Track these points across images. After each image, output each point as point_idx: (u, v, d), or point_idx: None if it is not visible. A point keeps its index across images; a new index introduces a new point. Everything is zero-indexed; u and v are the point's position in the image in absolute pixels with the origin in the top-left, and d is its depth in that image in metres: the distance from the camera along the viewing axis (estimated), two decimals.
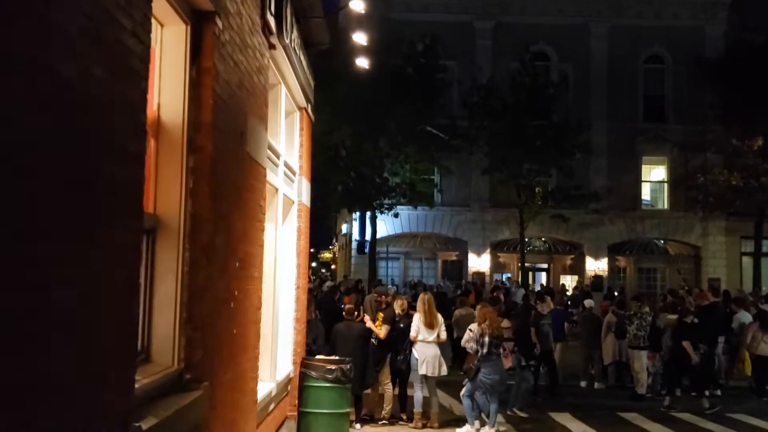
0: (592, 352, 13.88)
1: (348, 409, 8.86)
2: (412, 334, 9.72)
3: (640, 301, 13.32)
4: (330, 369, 8.65)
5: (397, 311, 10.37)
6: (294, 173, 8.55)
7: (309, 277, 36.33)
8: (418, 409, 9.67)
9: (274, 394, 7.34)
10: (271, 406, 7.38)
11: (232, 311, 5.03)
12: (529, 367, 11.32)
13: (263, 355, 7.14)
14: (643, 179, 30.62)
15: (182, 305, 4.15)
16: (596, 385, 13.72)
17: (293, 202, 8.62)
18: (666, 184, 30.45)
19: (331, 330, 9.96)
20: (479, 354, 9.35)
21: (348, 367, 8.78)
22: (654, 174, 31.16)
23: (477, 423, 9.47)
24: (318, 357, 9.03)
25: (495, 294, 15.44)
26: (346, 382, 8.74)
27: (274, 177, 7.23)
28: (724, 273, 29.27)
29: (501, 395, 9.73)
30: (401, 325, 10.01)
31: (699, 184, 26.17)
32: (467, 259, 30.03)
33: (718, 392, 12.88)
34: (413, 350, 9.75)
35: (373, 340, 9.92)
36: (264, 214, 6.20)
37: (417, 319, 9.77)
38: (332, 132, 21.13)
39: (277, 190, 7.39)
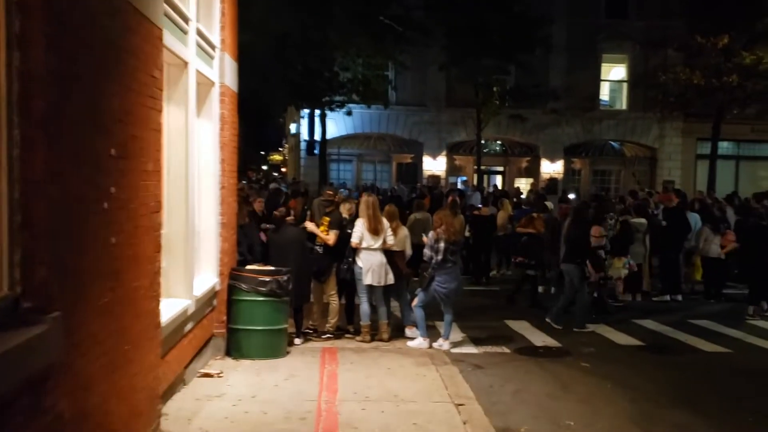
0: (551, 257, 13.10)
1: (285, 325, 7.83)
2: (354, 240, 8.62)
3: (605, 204, 12.43)
4: (263, 281, 7.55)
5: (344, 215, 9.23)
6: (213, 47, 7.08)
7: (253, 179, 35.08)
8: (365, 321, 8.71)
9: (191, 312, 6.21)
10: (188, 326, 6.26)
11: (107, 214, 3.76)
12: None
13: (172, 267, 5.96)
14: (602, 78, 29.58)
15: (14, 204, 2.87)
16: (553, 290, 13.02)
17: (213, 84, 7.20)
18: (625, 84, 29.49)
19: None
20: (433, 261, 8.36)
21: (285, 278, 7.68)
22: (614, 73, 30.10)
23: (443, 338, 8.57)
24: (249, 267, 7.88)
25: (451, 197, 14.40)
26: (283, 295, 7.66)
27: (181, 47, 5.80)
28: (679, 175, 29.01)
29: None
30: (348, 231, 8.88)
31: (660, 82, 25.24)
32: (422, 162, 28.96)
33: (679, 297, 12.38)
34: (357, 259, 8.68)
35: (317, 247, 8.80)
36: (161, 90, 4.83)
37: (360, 225, 8.65)
38: (272, 16, 19.17)
39: (186, 64, 5.97)
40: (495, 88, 25.06)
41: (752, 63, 22.58)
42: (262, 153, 62.95)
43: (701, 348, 8.91)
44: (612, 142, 29.79)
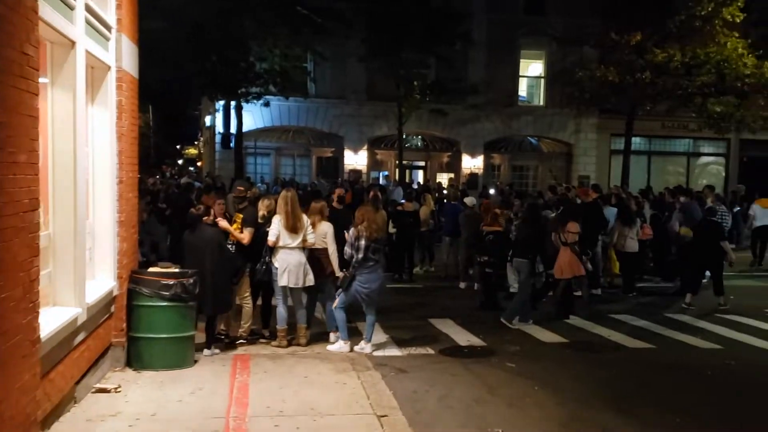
0: (472, 252, 12.90)
1: (192, 332, 7.19)
2: (271, 239, 8.05)
3: (523, 200, 12.29)
4: (167, 284, 6.90)
5: (261, 212, 8.65)
6: (108, 28, 6.37)
7: (167, 173, 33.54)
8: (281, 325, 8.17)
9: (83, 321, 5.53)
10: (80, 337, 5.58)
11: None
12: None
13: (60, 272, 5.27)
14: (521, 74, 29.87)
15: None
16: (476, 286, 12.82)
17: (108, 68, 6.48)
18: (543, 80, 29.88)
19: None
20: (354, 260, 7.91)
21: (191, 281, 7.05)
22: (531, 69, 30.44)
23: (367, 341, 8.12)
24: (152, 270, 7.20)
25: (373, 192, 13.97)
26: (189, 300, 7.03)
27: (67, 24, 5.10)
28: (594, 170, 29.64)
29: None
30: (266, 229, 8.30)
31: (576, 78, 25.65)
32: (343, 156, 28.44)
33: (598, 291, 12.40)
34: (273, 259, 8.11)
35: (230, 246, 8.19)
36: (37, 70, 4.15)
37: (277, 222, 8.08)
38: (186, 3, 18.25)
39: (73, 44, 5.26)
40: (416, 82, 24.84)
41: (664, 60, 23.18)
42: (178, 147, 60.92)
43: (624, 344, 8.82)
44: (530, 138, 30.17)
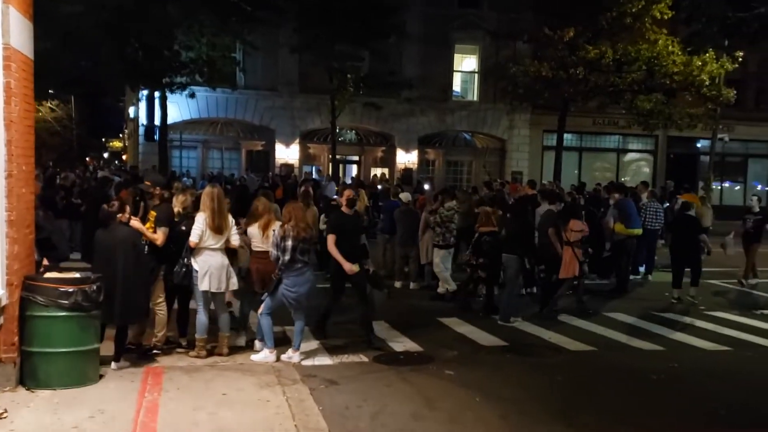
0: (408, 250, 12.42)
1: (96, 345, 6.39)
2: (193, 239, 7.30)
3: (444, 196, 11.83)
4: (66, 292, 6.08)
5: (176, 209, 7.88)
6: None
7: (90, 167, 31.82)
8: (201, 334, 7.43)
9: None
10: None
11: None
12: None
13: None
14: (454, 69, 29.65)
15: None
16: (411, 285, 12.35)
17: None
18: (477, 75, 29.75)
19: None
20: (280, 261, 7.25)
21: (94, 287, 6.25)
22: (466, 64, 30.28)
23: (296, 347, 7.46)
24: (48, 275, 6.34)
25: (305, 188, 13.30)
26: (91, 309, 6.23)
27: None
28: (527, 166, 29.76)
29: None
30: (183, 227, 7.55)
31: (510, 73, 25.58)
32: (274, 150, 27.56)
33: (534, 290, 12.10)
34: (193, 260, 7.37)
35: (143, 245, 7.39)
36: None
37: (201, 220, 7.33)
38: None
39: None
40: (349, 75, 24.21)
41: (596, 57, 23.33)
42: (104, 140, 58.40)
43: (565, 346, 8.47)
44: (464, 133, 30.01)
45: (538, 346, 8.52)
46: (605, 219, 12.93)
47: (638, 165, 31.88)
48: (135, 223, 7.34)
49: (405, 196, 12.78)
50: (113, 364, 6.85)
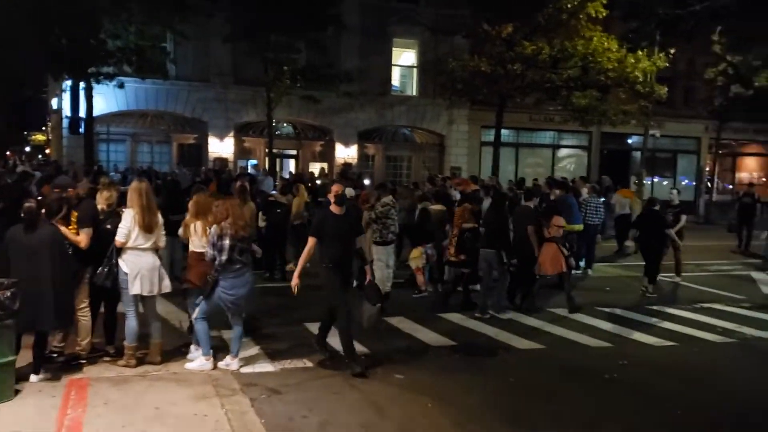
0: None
1: (11, 358, 5.78)
2: (120, 238, 6.74)
3: (380, 191, 11.52)
4: None
5: (101, 206, 7.29)
6: None
7: (10, 162, 30.15)
8: (131, 342, 6.87)
9: None
10: None
11: None
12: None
13: None
14: (393, 63, 29.39)
15: None
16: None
17: None
18: (416, 70, 29.57)
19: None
20: (217, 262, 6.76)
21: (8, 294, 5.64)
22: (404, 58, 30.05)
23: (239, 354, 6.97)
24: None
25: (240, 183, 12.73)
26: (5, 318, 5.64)
27: None
28: (466, 162, 29.80)
29: None
30: (108, 226, 6.97)
31: (449, 69, 25.49)
32: (207, 143, 26.64)
33: (477, 287, 11.93)
34: (120, 261, 6.80)
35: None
36: None
37: (129, 218, 6.77)
38: None
39: None
40: (285, 67, 23.57)
41: (533, 53, 23.45)
42: (25, 133, 55.59)
43: (513, 345, 8.28)
44: (404, 129, 29.81)
45: (487, 345, 8.30)
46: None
47: (572, 160, 32.39)
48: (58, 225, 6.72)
49: (348, 192, 12.35)
50: (33, 377, 6.25)
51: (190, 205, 7.52)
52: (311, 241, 7.23)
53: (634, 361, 7.69)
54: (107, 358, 7.03)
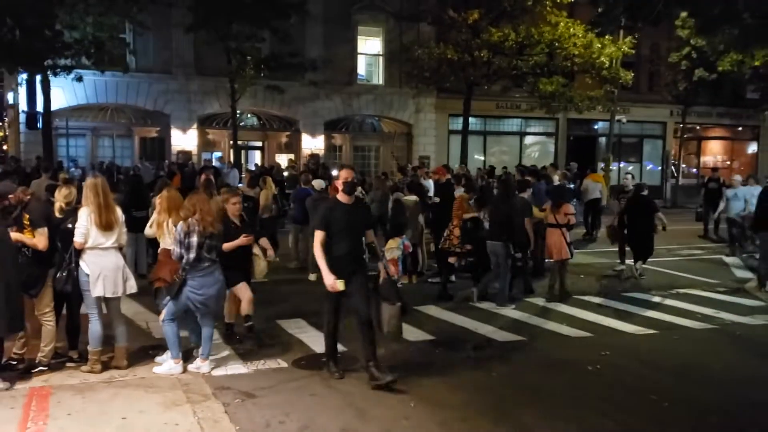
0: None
1: None
2: (78, 239, 6.37)
3: None
4: None
5: (58, 204, 6.89)
6: None
7: None
8: (95, 346, 6.51)
9: None
10: None
11: None
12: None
13: None
14: (359, 52, 29.00)
15: None
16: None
17: None
18: (381, 58, 29.23)
19: None
20: (184, 260, 6.42)
21: None
22: (369, 46, 29.68)
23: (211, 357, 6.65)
24: None
25: (205, 176, 12.33)
26: None
27: None
28: (434, 150, 29.63)
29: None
30: (69, 225, 6.58)
31: (415, 56, 25.24)
32: (170, 136, 26.00)
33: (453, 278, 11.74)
34: (81, 263, 6.43)
35: (24, 250, 6.37)
36: None
37: (85, 217, 6.39)
38: None
39: None
40: (248, 57, 23.04)
41: (499, 39, 23.32)
42: None
43: (494, 338, 8.10)
44: (370, 118, 29.49)
45: (466, 338, 8.08)
46: None
47: (539, 147, 32.44)
48: (14, 234, 6.30)
49: (318, 183, 12.11)
50: None
51: (160, 200, 7.16)
52: (320, 235, 6.32)
53: (615, 351, 7.56)
54: (71, 364, 6.69)
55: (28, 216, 6.38)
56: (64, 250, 6.51)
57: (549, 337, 8.20)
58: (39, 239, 6.29)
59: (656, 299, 10.45)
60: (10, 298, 5.93)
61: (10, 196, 6.42)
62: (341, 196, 6.49)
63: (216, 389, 6.08)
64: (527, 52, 24.09)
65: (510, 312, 9.46)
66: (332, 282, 6.19)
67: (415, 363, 7.04)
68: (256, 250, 7.80)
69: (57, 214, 6.66)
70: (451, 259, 10.44)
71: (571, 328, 8.57)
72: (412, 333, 8.18)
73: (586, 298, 10.42)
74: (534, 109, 27.39)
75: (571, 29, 23.25)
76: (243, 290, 7.60)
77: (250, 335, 7.68)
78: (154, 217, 7.23)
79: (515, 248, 9.89)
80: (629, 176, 15.06)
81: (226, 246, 6.95)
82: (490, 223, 9.92)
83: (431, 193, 13.18)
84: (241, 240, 7.18)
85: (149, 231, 7.36)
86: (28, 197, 6.56)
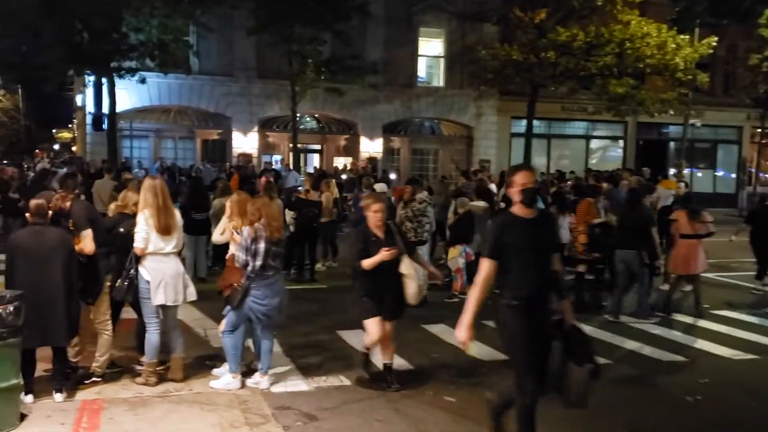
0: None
1: (14, 381, 5.09)
2: (139, 245, 6.03)
3: (414, 186, 10.70)
4: None
5: (113, 206, 6.61)
6: None
7: (39, 158, 29.78)
8: (151, 358, 6.17)
9: None
10: None
11: None
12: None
13: None
14: (420, 53, 28.51)
15: None
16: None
17: None
18: (442, 60, 28.66)
19: None
20: (250, 268, 6.00)
21: (11, 308, 4.96)
22: (430, 48, 29.14)
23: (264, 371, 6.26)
24: None
25: (265, 179, 12.05)
26: (7, 336, 4.95)
27: None
28: (495, 154, 28.89)
29: None
30: (121, 230, 6.29)
31: (478, 57, 24.59)
32: (231, 139, 26.07)
33: None
34: (141, 269, 6.10)
35: (80, 258, 6.08)
36: None
37: (143, 221, 6.06)
38: None
39: None
40: (309, 60, 22.85)
41: (567, 39, 22.49)
42: (54, 131, 55.64)
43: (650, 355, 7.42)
44: (431, 120, 28.95)
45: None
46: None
47: (606, 152, 31.30)
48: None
49: (380, 187, 11.65)
50: (57, 395, 5.65)
51: (230, 204, 6.69)
52: (488, 265, 4.55)
53: (715, 379, 6.79)
54: (138, 367, 6.34)
55: (72, 221, 6.07)
56: (122, 256, 6.21)
57: (637, 360, 7.47)
58: (84, 242, 5.96)
59: (748, 318, 9.56)
60: (71, 305, 5.68)
61: (50, 204, 6.09)
62: (519, 209, 4.57)
63: (276, 409, 5.65)
64: (596, 53, 23.18)
65: (591, 329, 8.75)
66: (466, 337, 4.58)
67: (489, 386, 6.44)
68: (405, 267, 6.09)
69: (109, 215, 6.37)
70: (581, 268, 9.86)
71: (658, 350, 7.80)
72: (485, 352, 7.52)
73: (673, 317, 9.56)
74: (601, 112, 26.36)
75: (644, 28, 22.24)
76: (373, 327, 6.11)
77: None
78: (224, 221, 6.77)
79: (648, 257, 9.25)
80: (682, 184, 14.17)
81: (367, 263, 5.92)
82: (620, 230, 9.33)
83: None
84: (383, 254, 5.89)
85: (220, 237, 6.79)
86: (68, 203, 6.23)
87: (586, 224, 9.63)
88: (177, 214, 6.29)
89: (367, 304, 6.05)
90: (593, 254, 9.61)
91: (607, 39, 22.61)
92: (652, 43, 22.13)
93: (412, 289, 6.04)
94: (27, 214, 5.78)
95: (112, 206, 6.48)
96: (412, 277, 6.04)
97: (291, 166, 23.08)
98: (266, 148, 27.04)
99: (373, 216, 6.11)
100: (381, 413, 5.68)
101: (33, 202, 5.81)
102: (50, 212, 5.88)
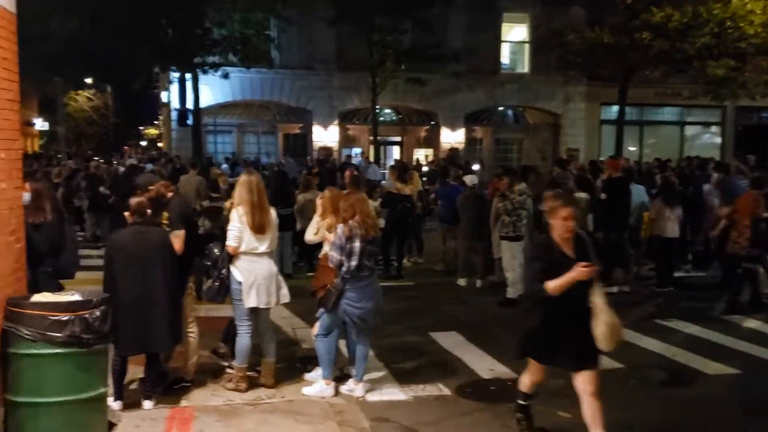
0: (474, 243, 10.71)
1: (102, 390, 4.83)
2: (232, 243, 5.71)
3: (512, 177, 10.01)
4: (59, 321, 4.52)
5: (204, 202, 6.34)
6: None
7: (127, 154, 30.64)
8: (242, 362, 5.86)
9: None
10: None
11: None
12: None
13: None
14: (503, 39, 27.57)
15: None
16: (478, 283, 10.67)
17: None
18: (527, 45, 27.63)
19: None
20: (344, 269, 5.59)
21: (98, 313, 4.69)
22: (514, 33, 28.14)
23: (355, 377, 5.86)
24: (37, 298, 4.78)
25: (350, 173, 11.63)
26: (94, 342, 4.66)
27: None
28: (583, 142, 27.67)
29: None
30: (205, 227, 6.00)
31: (566, 41, 23.46)
32: (312, 132, 25.98)
33: (627, 288, 10.28)
34: (233, 269, 5.79)
35: None
36: None
37: (237, 218, 5.73)
38: None
39: None
40: (390, 51, 22.39)
41: (662, 20, 21.10)
42: (141, 128, 57.67)
43: (699, 368, 6.67)
44: (515, 108, 27.98)
45: (665, 367, 6.74)
46: (708, 202, 11.02)
47: (703, 139, 29.49)
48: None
49: (470, 179, 11.03)
50: (146, 403, 5.42)
51: (322, 201, 6.31)
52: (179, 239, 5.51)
53: None
54: (228, 371, 6.06)
55: (167, 215, 5.81)
56: (209, 255, 5.91)
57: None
58: (176, 242, 5.66)
59: None
60: (175, 309, 5.44)
61: (150, 188, 5.86)
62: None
63: (373, 421, 5.23)
64: (693, 33, 21.66)
65: (701, 331, 7.98)
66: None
67: (606, 400, 5.78)
68: (597, 296, 4.56)
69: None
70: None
71: None
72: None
73: None
74: (697, 96, 24.73)
75: (748, 5, 20.59)
76: (536, 370, 4.99)
77: None
78: (316, 220, 6.37)
79: None
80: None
81: (553, 286, 4.51)
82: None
83: None
84: (579, 271, 4.42)
85: (314, 237, 6.40)
86: (170, 194, 6.00)
87: (750, 218, 8.70)
88: (273, 212, 5.93)
89: (544, 342, 4.82)
90: (753, 250, 8.78)
91: (706, 18, 21.06)
92: (757, 21, 20.46)
93: (601, 328, 4.52)
94: (126, 213, 5.54)
95: (227, 204, 6.15)
96: (605, 310, 4.53)
97: (371, 159, 22.76)
98: (346, 141, 26.83)
99: (563, 224, 4.62)
100: (485, 424, 5.20)
101: (134, 200, 5.56)
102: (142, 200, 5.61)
